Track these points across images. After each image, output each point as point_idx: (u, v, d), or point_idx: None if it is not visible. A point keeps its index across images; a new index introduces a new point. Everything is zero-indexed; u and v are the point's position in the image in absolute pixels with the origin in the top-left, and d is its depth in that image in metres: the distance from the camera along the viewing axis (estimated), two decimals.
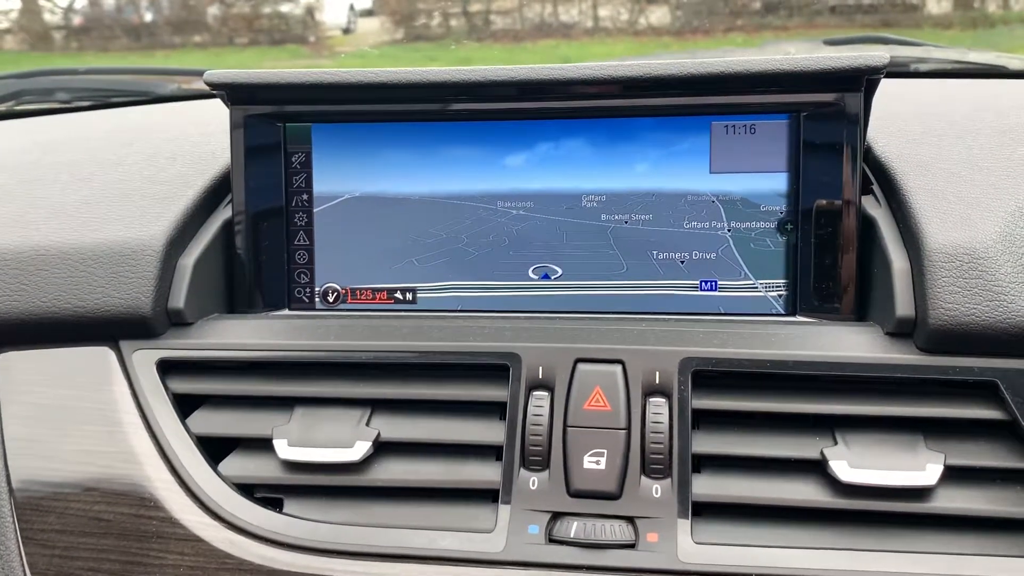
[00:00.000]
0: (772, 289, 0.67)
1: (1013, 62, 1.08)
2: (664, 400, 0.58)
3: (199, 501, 0.59)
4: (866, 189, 0.68)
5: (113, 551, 0.59)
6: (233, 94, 0.70)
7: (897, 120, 0.75)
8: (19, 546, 0.61)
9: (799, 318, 0.66)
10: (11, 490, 0.62)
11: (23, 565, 0.61)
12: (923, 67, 1.09)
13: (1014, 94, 0.96)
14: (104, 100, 1.13)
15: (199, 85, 1.16)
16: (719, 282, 0.67)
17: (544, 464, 0.58)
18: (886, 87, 0.99)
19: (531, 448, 0.58)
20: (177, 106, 1.07)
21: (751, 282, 0.67)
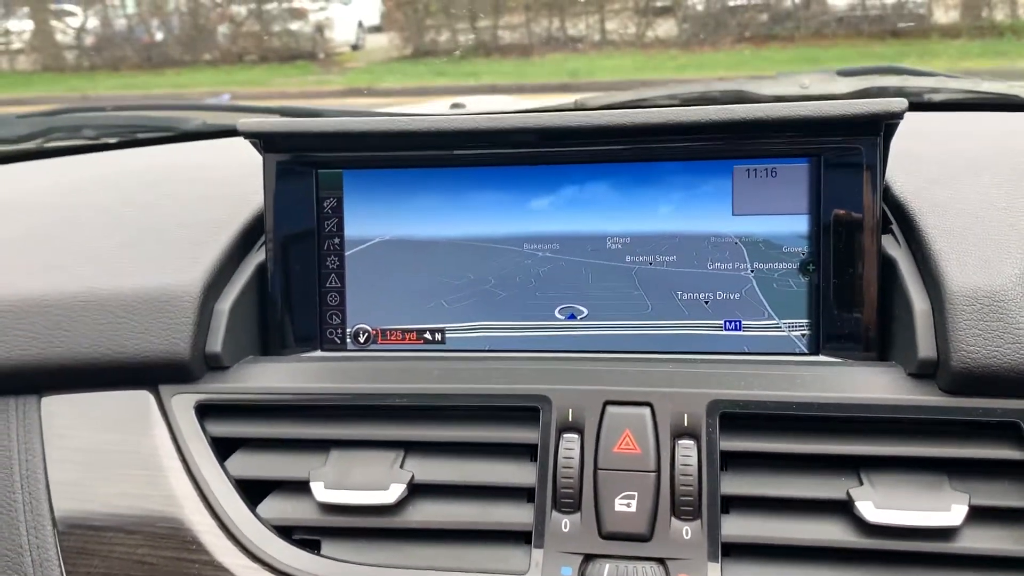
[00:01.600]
0: (795, 329, 0.68)
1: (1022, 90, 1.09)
2: (692, 442, 0.60)
3: (239, 544, 0.61)
4: (885, 229, 0.69)
5: None
6: (267, 142, 0.72)
7: (914, 158, 0.77)
8: None
9: (822, 357, 0.67)
10: (57, 533, 0.64)
11: None
12: (937, 97, 1.10)
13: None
14: (130, 136, 1.15)
15: (223, 118, 1.18)
16: (743, 322, 0.69)
17: (576, 506, 0.59)
18: (903, 122, 1.01)
19: (563, 491, 0.59)
20: (205, 144, 1.09)
21: (775, 322, 0.68)
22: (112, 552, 0.62)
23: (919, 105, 1.09)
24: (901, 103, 0.65)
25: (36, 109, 1.19)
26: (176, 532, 0.62)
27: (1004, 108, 1.06)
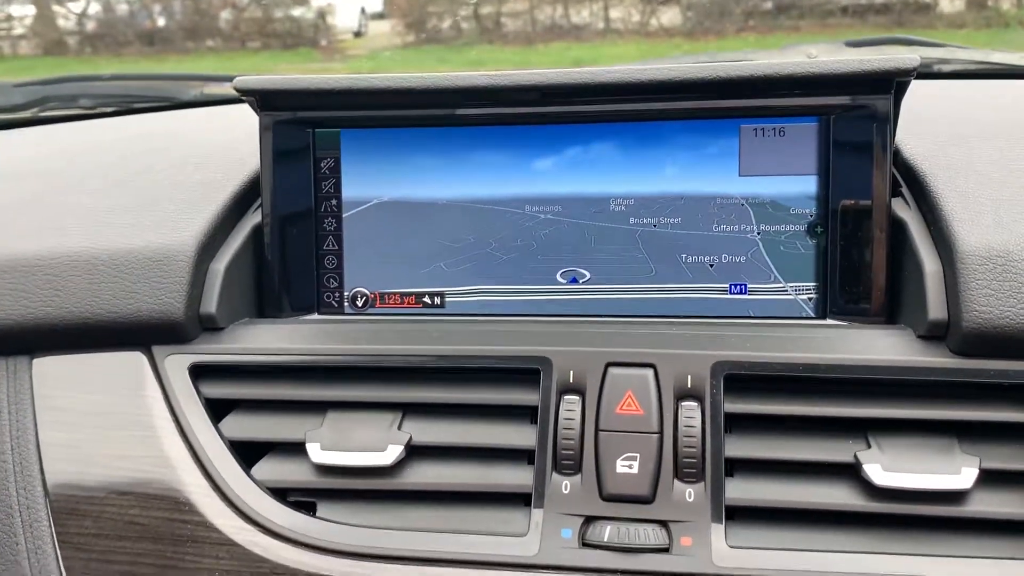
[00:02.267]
0: (802, 292, 0.67)
1: None
2: (696, 404, 0.58)
3: (233, 505, 0.60)
4: (895, 192, 0.68)
5: (148, 555, 0.60)
6: (263, 100, 0.71)
7: (925, 122, 0.75)
8: (56, 550, 0.62)
9: (829, 321, 0.66)
10: (47, 494, 0.63)
11: (60, 569, 0.61)
12: (947, 68, 1.08)
13: None
14: (127, 106, 1.13)
15: (220, 90, 1.17)
16: (749, 285, 0.67)
17: (576, 468, 0.58)
18: (913, 88, 0.99)
19: (563, 452, 0.58)
20: (201, 111, 1.07)
21: (781, 285, 0.67)
22: (103, 512, 0.61)
23: (929, 75, 1.07)
24: (913, 59, 0.63)
25: (33, 78, 1.18)
26: (168, 493, 0.61)
27: (1014, 78, 1.05)
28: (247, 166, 0.75)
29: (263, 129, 0.72)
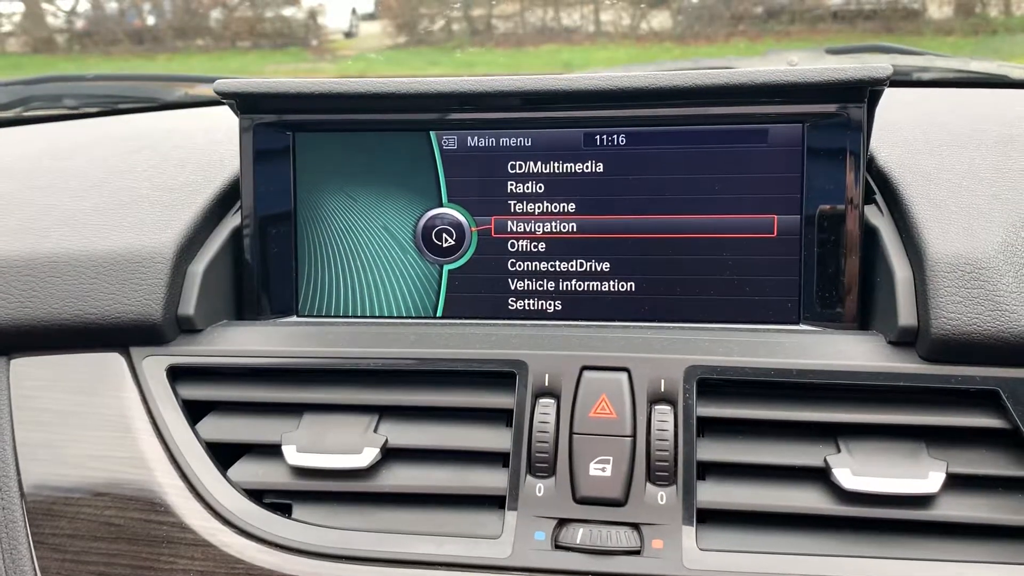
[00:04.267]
0: (776, 297, 0.67)
1: (1015, 71, 1.08)
2: (669, 408, 0.59)
3: (208, 506, 0.60)
4: (869, 199, 0.69)
5: (124, 555, 0.60)
6: (242, 103, 0.71)
7: (900, 130, 0.76)
8: (31, 550, 0.62)
9: (803, 327, 0.66)
10: (23, 495, 0.63)
11: (35, 570, 0.61)
12: (925, 76, 1.10)
13: (1016, 104, 0.97)
14: (111, 106, 1.13)
15: (205, 91, 1.17)
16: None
17: (550, 471, 0.58)
18: (889, 96, 1.00)
19: (537, 455, 0.59)
20: (184, 112, 1.07)
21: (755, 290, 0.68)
22: (79, 513, 0.61)
23: (908, 83, 1.08)
24: (886, 69, 0.64)
25: (17, 77, 1.18)
26: (144, 494, 0.61)
27: (992, 87, 1.06)
28: (228, 168, 0.76)
29: (243, 131, 0.72)
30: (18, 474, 0.64)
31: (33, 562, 0.62)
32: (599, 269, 0.69)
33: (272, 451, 0.62)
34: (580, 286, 0.69)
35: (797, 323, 0.67)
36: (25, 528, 0.63)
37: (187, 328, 0.67)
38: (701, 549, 0.55)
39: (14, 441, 0.65)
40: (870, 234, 0.66)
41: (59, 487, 0.63)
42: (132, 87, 1.18)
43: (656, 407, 0.59)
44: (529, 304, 0.70)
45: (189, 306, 0.67)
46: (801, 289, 0.67)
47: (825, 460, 0.57)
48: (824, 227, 0.66)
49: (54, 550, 0.61)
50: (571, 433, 0.59)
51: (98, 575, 0.60)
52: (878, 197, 0.69)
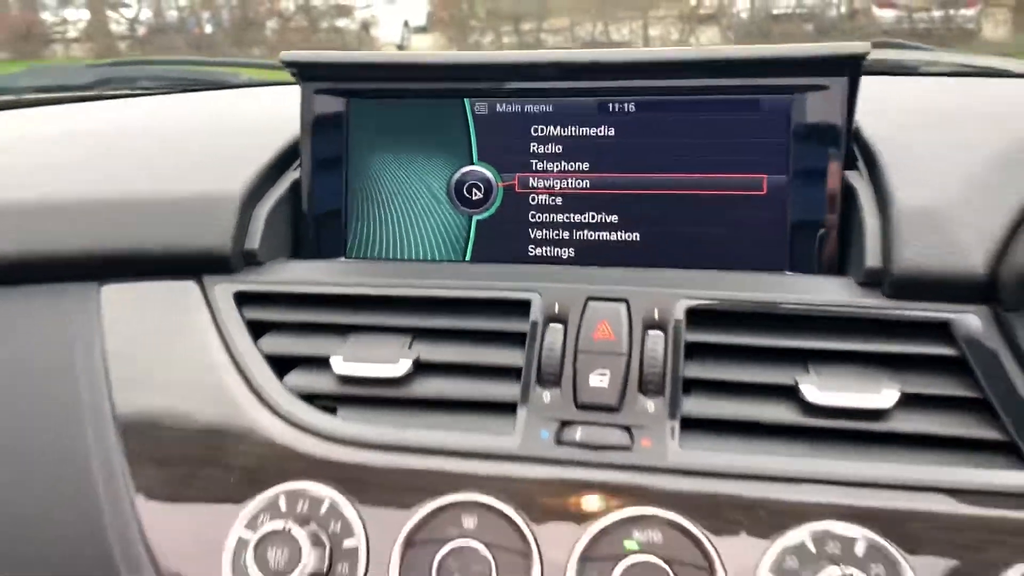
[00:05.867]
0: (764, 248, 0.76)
1: (1015, 65, 1.16)
2: (661, 333, 0.68)
3: (269, 407, 0.70)
4: (853, 165, 0.77)
5: (200, 450, 0.70)
6: (304, 71, 0.82)
7: (892, 109, 0.85)
8: (122, 450, 0.72)
9: (787, 273, 0.75)
10: (112, 401, 0.74)
11: (126, 473, 0.71)
12: (932, 69, 1.18)
13: (1009, 91, 1.05)
14: (182, 88, 1.26)
15: (265, 75, 1.29)
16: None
17: (556, 382, 0.68)
18: (892, 84, 1.09)
19: (546, 369, 0.68)
20: (247, 92, 1.20)
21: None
22: (162, 417, 0.72)
23: (915, 74, 1.16)
24: (864, 46, 0.73)
25: (101, 61, 1.31)
26: (217, 397, 0.71)
27: (993, 76, 1.14)
28: (288, 133, 0.87)
29: (303, 97, 0.83)
30: (108, 382, 0.75)
31: (124, 463, 0.72)
32: (608, 221, 0.79)
33: (321, 364, 0.72)
34: (591, 235, 0.79)
35: (782, 270, 0.76)
36: (115, 430, 0.73)
37: (251, 261, 0.78)
38: (682, 448, 0.65)
39: (104, 352, 0.76)
40: (849, 194, 0.75)
41: (143, 394, 0.74)
42: (202, 71, 1.30)
43: (649, 332, 0.69)
44: (546, 251, 0.80)
45: (254, 242, 0.78)
46: (786, 240, 0.76)
47: (795, 380, 0.66)
48: (808, 186, 0.75)
49: (140, 454, 0.72)
50: (576, 351, 0.69)
51: (178, 461, 0.70)
52: (860, 163, 0.78)
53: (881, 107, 0.85)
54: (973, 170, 0.71)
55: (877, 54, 1.23)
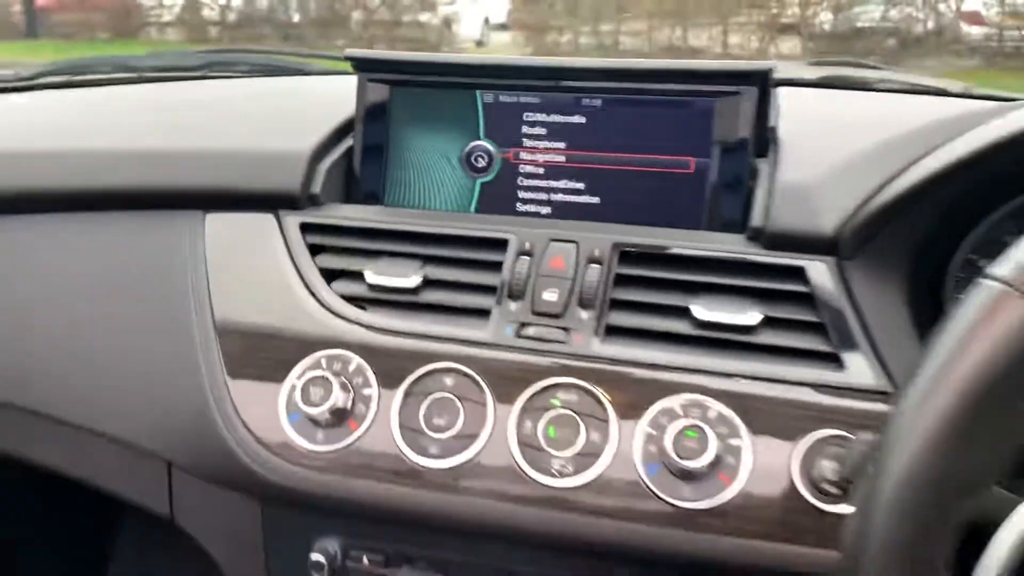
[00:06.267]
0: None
1: (955, 86, 1.38)
2: (598, 266, 0.95)
3: (320, 302, 0.98)
4: (764, 153, 1.02)
5: (272, 338, 0.97)
6: (359, 64, 1.11)
7: (817, 117, 1.10)
8: (220, 360, 0.98)
9: (700, 231, 1.01)
10: (213, 312, 1.01)
11: (221, 363, 0.98)
12: (882, 86, 1.40)
13: (934, 107, 1.28)
14: (268, 73, 1.57)
15: (336, 66, 1.59)
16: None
17: (520, 296, 0.95)
18: (839, 97, 1.34)
19: (514, 287, 0.95)
20: (320, 78, 1.51)
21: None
22: (248, 322, 0.98)
23: (866, 89, 1.39)
24: (770, 64, 0.98)
25: (205, 48, 1.62)
26: (286, 300, 0.99)
27: (931, 95, 1.36)
28: (346, 110, 1.15)
29: (359, 85, 1.11)
30: (209, 297, 1.04)
31: (223, 371, 0.98)
32: (576, 187, 1.05)
33: (357, 276, 1.01)
34: (563, 198, 1.06)
35: (698, 228, 1.01)
36: (213, 322, 1.02)
37: (313, 202, 1.07)
38: (602, 344, 0.91)
39: (207, 271, 1.05)
40: (755, 175, 1.00)
41: (235, 305, 1.01)
42: (289, 60, 1.61)
43: (591, 265, 0.95)
44: (529, 208, 1.07)
45: (316, 188, 1.07)
46: (705, 206, 1.01)
47: (689, 304, 0.92)
48: (722, 168, 1.01)
49: (230, 335, 1.00)
50: (536, 275, 0.95)
51: (256, 347, 0.99)
52: (770, 153, 1.03)
53: (810, 114, 1.10)
54: (848, 161, 0.96)
55: (839, 71, 1.47)
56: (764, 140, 1.03)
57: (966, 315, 0.55)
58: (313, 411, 0.89)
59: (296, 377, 0.93)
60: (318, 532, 0.95)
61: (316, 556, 0.94)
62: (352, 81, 1.13)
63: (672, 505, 0.83)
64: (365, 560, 0.95)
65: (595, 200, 1.05)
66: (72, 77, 1.53)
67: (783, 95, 1.15)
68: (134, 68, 1.53)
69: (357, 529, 0.94)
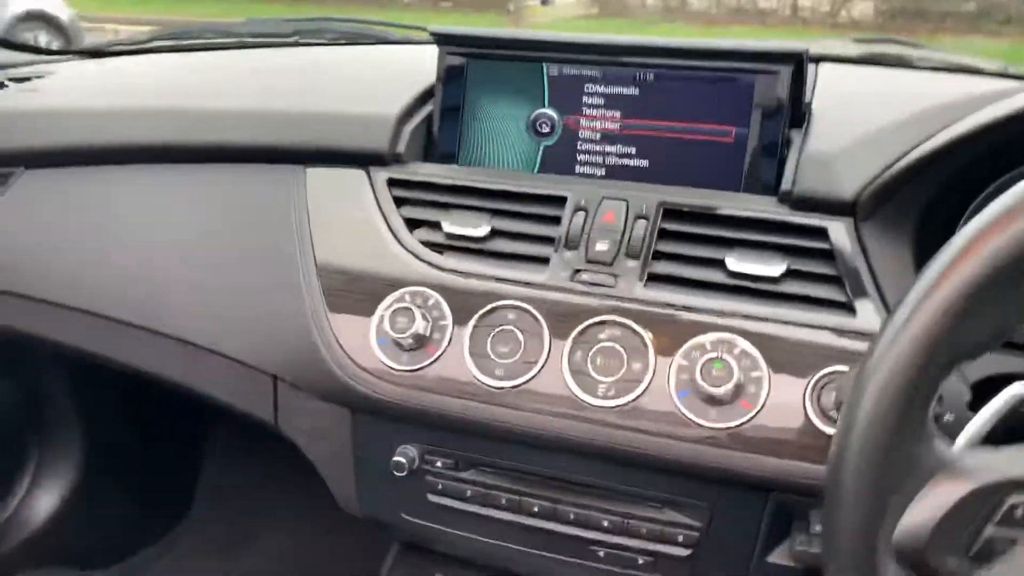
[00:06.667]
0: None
1: (992, 65, 1.47)
2: (645, 221, 1.09)
3: (405, 247, 1.14)
4: (800, 125, 1.15)
5: (364, 287, 1.14)
6: (440, 39, 1.25)
7: (854, 92, 1.22)
8: (323, 300, 1.15)
9: (738, 193, 1.14)
10: (315, 258, 1.16)
11: (324, 308, 1.15)
12: (925, 64, 1.50)
13: (966, 85, 1.38)
14: (352, 41, 1.72)
15: (416, 35, 1.74)
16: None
17: (576, 247, 1.09)
18: (878, 74, 1.45)
19: (570, 239, 1.10)
20: (404, 47, 1.66)
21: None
22: (342, 264, 1.15)
23: (911, 67, 1.49)
24: (803, 46, 1.11)
25: (293, 16, 1.79)
26: (375, 243, 1.15)
27: (964, 73, 1.46)
28: (428, 79, 1.30)
29: (439, 57, 1.26)
30: (310, 232, 1.21)
31: (323, 303, 1.14)
32: (628, 151, 1.19)
33: (436, 225, 1.16)
34: (616, 161, 1.20)
35: (736, 190, 1.14)
36: (315, 264, 1.18)
37: (399, 160, 1.22)
38: (645, 288, 1.06)
39: (308, 213, 1.22)
40: (789, 144, 1.13)
41: (331, 241, 1.18)
42: (372, 29, 1.76)
43: (638, 220, 1.09)
44: (586, 170, 1.21)
45: (401, 147, 1.22)
46: (743, 171, 1.14)
47: (724, 256, 1.05)
48: (760, 137, 1.14)
49: (331, 291, 1.15)
50: (591, 229, 1.10)
51: (351, 285, 1.15)
52: (805, 125, 1.15)
53: (845, 90, 1.22)
54: (871, 133, 1.08)
55: (881, 47, 1.57)
56: (800, 113, 1.15)
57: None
58: (399, 336, 1.06)
59: (384, 308, 1.10)
60: (400, 439, 1.13)
61: (398, 458, 1.11)
62: (428, 51, 1.28)
63: (699, 425, 0.98)
64: (439, 464, 1.12)
65: (644, 163, 1.19)
66: (179, 42, 1.71)
67: (825, 71, 1.27)
68: (234, 34, 1.70)
69: (433, 437, 1.12)
